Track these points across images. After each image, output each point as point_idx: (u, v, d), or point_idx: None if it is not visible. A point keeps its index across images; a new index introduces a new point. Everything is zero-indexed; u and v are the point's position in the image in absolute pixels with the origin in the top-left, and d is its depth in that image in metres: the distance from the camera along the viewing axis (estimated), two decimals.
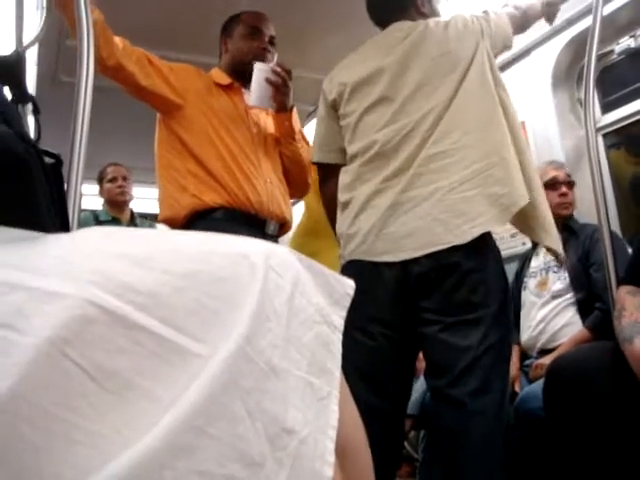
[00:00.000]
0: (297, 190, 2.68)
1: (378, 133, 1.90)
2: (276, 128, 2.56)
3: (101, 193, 4.09)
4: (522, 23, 2.25)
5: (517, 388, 2.67)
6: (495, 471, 1.72)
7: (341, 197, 1.99)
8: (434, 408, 1.89)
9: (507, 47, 2.18)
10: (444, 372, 1.78)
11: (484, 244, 1.80)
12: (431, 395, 1.93)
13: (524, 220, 1.90)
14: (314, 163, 2.19)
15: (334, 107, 2.07)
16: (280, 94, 2.35)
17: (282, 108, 2.43)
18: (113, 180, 3.99)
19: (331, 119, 2.09)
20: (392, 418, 1.89)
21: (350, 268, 1.88)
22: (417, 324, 1.83)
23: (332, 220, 2.11)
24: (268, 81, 2.35)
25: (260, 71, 2.36)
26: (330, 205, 2.11)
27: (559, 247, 1.97)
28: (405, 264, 1.79)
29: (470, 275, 1.78)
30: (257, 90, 2.36)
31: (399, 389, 1.93)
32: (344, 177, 2.00)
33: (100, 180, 4.05)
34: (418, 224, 1.78)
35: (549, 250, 2.04)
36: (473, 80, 1.90)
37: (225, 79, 2.47)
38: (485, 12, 2.10)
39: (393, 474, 2.00)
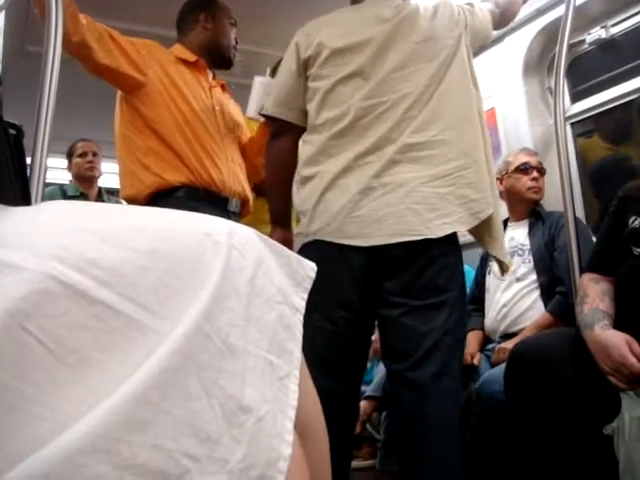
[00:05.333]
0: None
1: (351, 107, 1.85)
2: (258, 139, 2.59)
3: (70, 168, 4.01)
4: (500, 21, 2.25)
5: (476, 361, 2.71)
6: (452, 451, 1.75)
7: (303, 170, 1.93)
8: (393, 391, 1.88)
9: (484, 45, 2.19)
10: (404, 356, 1.78)
11: (449, 234, 1.80)
12: (389, 378, 1.92)
13: (477, 225, 1.89)
14: (269, 117, 2.08)
15: (305, 65, 1.98)
16: None
17: None
18: (83, 155, 3.93)
19: (300, 77, 1.99)
20: (347, 401, 1.89)
21: (313, 249, 1.84)
22: (378, 306, 1.84)
23: (273, 179, 2.07)
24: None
25: (263, 85, 2.42)
26: (275, 162, 2.05)
27: (505, 256, 2.00)
28: (374, 248, 1.78)
29: (437, 259, 1.79)
30: (257, 102, 2.41)
31: (355, 373, 1.93)
32: (307, 148, 1.94)
33: (69, 155, 3.98)
34: (390, 210, 1.76)
35: (495, 258, 2.04)
36: (456, 75, 1.89)
37: (191, 56, 2.46)
38: (470, 4, 2.08)
39: (349, 456, 2.01)
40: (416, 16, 1.93)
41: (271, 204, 2.11)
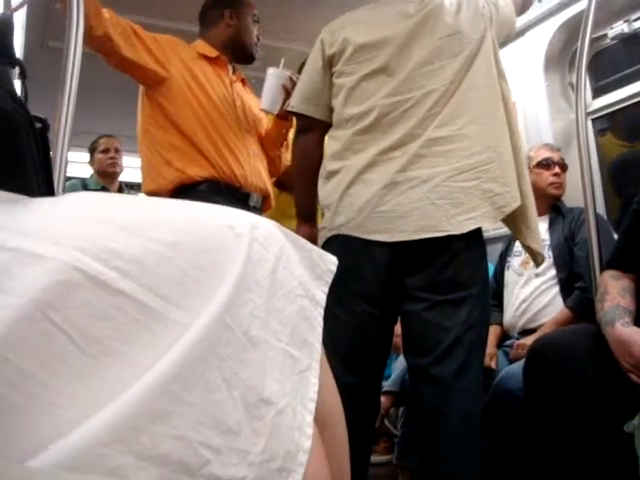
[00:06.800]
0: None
1: (376, 102, 1.86)
2: (272, 132, 2.62)
3: (92, 163, 4.05)
4: (520, 9, 2.24)
5: (493, 365, 2.69)
6: (473, 447, 1.75)
7: (328, 165, 1.94)
8: (414, 386, 1.89)
9: (509, 37, 2.16)
10: (426, 351, 1.78)
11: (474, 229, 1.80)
12: (410, 374, 1.93)
13: (511, 218, 1.90)
14: (295, 113, 2.09)
15: (330, 62, 2.00)
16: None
17: (286, 116, 2.47)
18: (105, 151, 3.96)
19: (325, 73, 2.01)
20: (369, 396, 1.90)
21: (337, 242, 1.86)
22: (401, 300, 1.84)
23: (299, 174, 2.08)
24: (284, 88, 2.40)
25: (277, 77, 2.42)
26: (301, 158, 2.07)
27: (541, 247, 2.00)
28: (398, 243, 1.78)
29: (459, 255, 1.79)
30: (271, 94, 2.42)
31: (376, 367, 1.94)
32: (333, 144, 1.95)
33: (92, 150, 4.01)
34: (414, 206, 1.76)
35: (527, 249, 2.03)
36: (480, 69, 1.88)
37: (212, 51, 2.47)
38: None
39: (369, 450, 2.02)
40: (441, 11, 1.91)
41: (297, 199, 2.13)
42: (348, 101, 1.92)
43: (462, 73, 1.86)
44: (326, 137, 2.01)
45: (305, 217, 2.06)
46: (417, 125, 1.81)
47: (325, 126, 2.02)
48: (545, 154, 2.98)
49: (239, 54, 2.55)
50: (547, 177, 2.92)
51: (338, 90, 1.96)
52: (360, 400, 1.83)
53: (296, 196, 2.14)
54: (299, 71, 2.55)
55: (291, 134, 2.65)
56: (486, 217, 1.79)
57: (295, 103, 2.06)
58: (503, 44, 2.08)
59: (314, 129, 2.03)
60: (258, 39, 2.57)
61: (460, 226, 1.76)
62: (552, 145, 3.10)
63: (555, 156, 2.97)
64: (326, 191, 1.93)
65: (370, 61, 1.90)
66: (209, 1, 2.57)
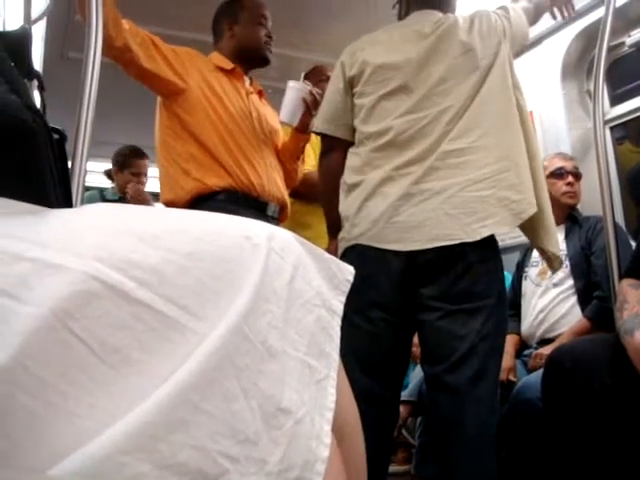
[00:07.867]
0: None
1: (394, 121, 1.90)
2: (290, 145, 2.63)
3: (117, 176, 3.92)
4: (533, 19, 2.26)
5: (512, 377, 2.66)
6: (487, 456, 1.75)
7: (349, 179, 1.98)
8: (430, 395, 1.90)
9: (523, 47, 2.19)
10: (441, 360, 1.79)
11: (488, 238, 1.81)
12: (427, 382, 1.94)
13: (529, 223, 1.92)
14: (319, 133, 2.15)
15: (351, 83, 2.05)
16: (309, 115, 2.40)
17: (305, 129, 2.49)
18: (136, 175, 3.82)
19: (347, 94, 2.06)
20: (387, 404, 1.90)
21: (353, 252, 1.90)
22: (416, 309, 1.85)
23: (326, 192, 2.13)
24: (304, 101, 2.43)
25: (297, 90, 2.45)
26: (327, 177, 2.11)
27: (558, 251, 2.01)
28: (412, 253, 1.81)
29: (474, 266, 1.80)
30: (290, 107, 2.45)
31: (395, 375, 1.95)
32: (354, 159, 1.99)
33: (122, 164, 3.87)
34: (428, 216, 1.79)
35: (543, 254, 2.03)
36: (495, 82, 1.91)
37: (228, 64, 2.48)
38: (505, 9, 2.09)
39: (387, 460, 2.02)
40: (455, 30, 1.96)
41: (326, 216, 2.17)
42: (368, 120, 1.97)
43: (477, 87, 1.89)
44: (348, 153, 2.04)
45: (335, 233, 2.08)
46: (434, 141, 1.85)
47: (348, 144, 2.06)
48: (558, 163, 2.97)
49: (250, 60, 2.55)
50: (561, 186, 2.92)
51: (359, 110, 2.01)
52: (379, 408, 1.85)
53: (325, 214, 2.18)
54: (306, 77, 2.63)
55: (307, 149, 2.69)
56: (504, 223, 1.81)
57: (318, 123, 2.13)
58: (518, 53, 2.10)
59: (337, 148, 2.08)
60: (270, 37, 2.55)
61: (474, 234, 1.77)
62: (565, 154, 3.09)
63: (568, 165, 2.96)
64: (346, 204, 1.98)
65: (389, 81, 1.95)
66: (216, 14, 2.59)
